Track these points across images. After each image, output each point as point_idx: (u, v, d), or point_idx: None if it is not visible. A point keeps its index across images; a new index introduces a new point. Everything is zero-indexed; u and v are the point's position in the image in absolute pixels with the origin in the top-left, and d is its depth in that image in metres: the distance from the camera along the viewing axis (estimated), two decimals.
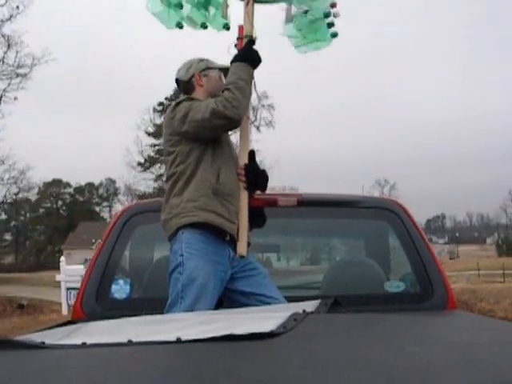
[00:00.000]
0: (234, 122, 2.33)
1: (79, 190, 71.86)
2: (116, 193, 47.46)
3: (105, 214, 72.11)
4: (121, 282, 2.62)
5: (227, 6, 2.63)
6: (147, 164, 41.65)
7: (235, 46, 2.51)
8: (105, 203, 73.07)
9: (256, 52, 2.44)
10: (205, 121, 2.27)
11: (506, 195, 77.61)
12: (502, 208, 79.89)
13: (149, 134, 41.25)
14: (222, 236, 2.28)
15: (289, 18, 2.62)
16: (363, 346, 1.00)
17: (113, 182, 46.17)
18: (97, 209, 74.00)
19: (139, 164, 41.09)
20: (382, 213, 2.82)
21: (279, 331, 1.04)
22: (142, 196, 40.93)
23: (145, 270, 2.88)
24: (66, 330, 1.46)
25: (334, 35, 2.64)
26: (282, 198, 2.75)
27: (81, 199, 72.26)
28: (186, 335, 1.05)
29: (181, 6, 2.59)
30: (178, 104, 2.39)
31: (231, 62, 2.43)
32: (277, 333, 1.03)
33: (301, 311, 1.30)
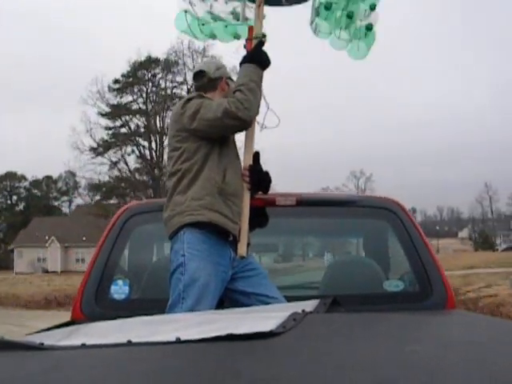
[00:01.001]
0: (246, 124, 2.33)
1: (36, 183, 67.40)
2: (76, 186, 43.77)
3: (65, 209, 67.86)
4: (120, 282, 2.62)
5: (245, 8, 2.62)
6: (100, 149, 36.61)
7: (244, 46, 2.51)
8: (64, 197, 68.62)
9: (265, 54, 2.44)
10: (216, 120, 2.26)
11: (482, 188, 77.29)
12: (477, 201, 79.09)
13: (103, 115, 36.60)
14: (224, 236, 2.28)
15: (312, 18, 2.61)
16: (363, 346, 1.00)
17: (73, 174, 41.80)
18: (55, 203, 69.61)
19: (92, 149, 36.10)
20: (381, 212, 2.82)
21: (279, 331, 1.04)
22: (98, 186, 37.05)
23: (144, 270, 2.87)
24: (65, 330, 1.46)
25: (369, 27, 2.58)
26: (280, 197, 2.75)
27: (38, 194, 67.62)
28: (185, 335, 1.05)
29: (215, 19, 2.66)
30: (188, 100, 2.38)
31: (241, 63, 2.42)
32: (276, 332, 1.03)
33: (300, 311, 1.30)
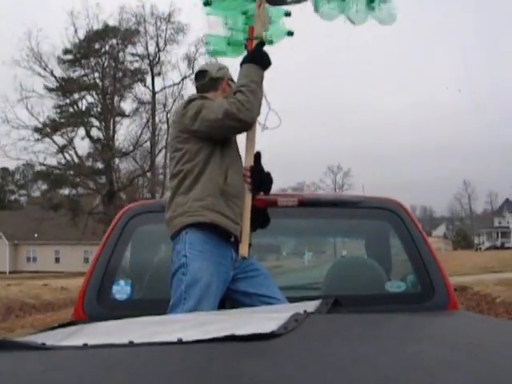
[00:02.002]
0: (247, 125, 2.33)
1: None
2: (35, 179, 38.14)
3: (23, 204, 59.37)
4: (122, 282, 2.62)
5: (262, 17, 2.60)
6: (46, 130, 31.33)
7: (245, 46, 2.51)
8: (22, 191, 61.92)
9: (266, 54, 2.43)
10: (217, 121, 2.26)
11: (461, 185, 76.50)
12: (456, 198, 78.26)
13: (50, 90, 31.97)
14: (226, 237, 2.28)
15: (317, 7, 2.60)
16: (364, 347, 1.00)
17: (31, 166, 36.51)
18: (12, 197, 64.15)
19: (37, 130, 30.72)
20: (383, 213, 2.82)
21: (280, 332, 1.04)
22: (45, 174, 33.08)
23: (146, 270, 2.88)
24: (67, 331, 1.46)
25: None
26: (282, 198, 2.75)
27: None
28: (187, 336, 1.05)
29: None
30: (190, 101, 2.38)
31: (241, 63, 2.42)
32: (278, 333, 1.03)
33: (302, 312, 1.30)
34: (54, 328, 2.00)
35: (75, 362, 0.95)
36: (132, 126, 34.30)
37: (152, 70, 34.46)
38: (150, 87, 34.62)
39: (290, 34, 2.73)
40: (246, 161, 2.45)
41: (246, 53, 2.54)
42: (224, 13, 2.68)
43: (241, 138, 2.52)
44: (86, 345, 1.07)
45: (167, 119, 32.98)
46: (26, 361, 0.97)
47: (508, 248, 56.91)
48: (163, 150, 34.03)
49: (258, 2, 2.53)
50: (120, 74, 33.68)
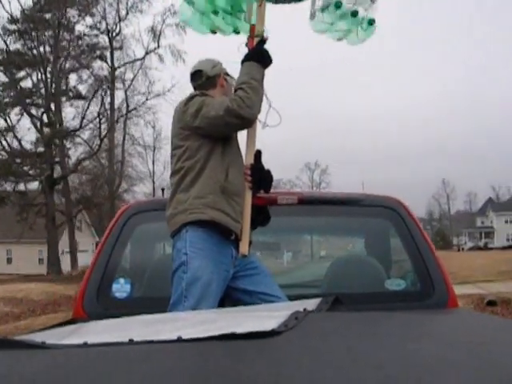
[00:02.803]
0: (248, 122, 2.33)
1: None
2: None
3: None
4: (121, 281, 2.62)
5: (252, 9, 2.61)
6: None
7: (246, 44, 2.50)
8: None
9: (267, 52, 2.43)
10: (218, 118, 2.26)
11: (440, 185, 75.65)
12: (434, 198, 77.46)
13: None
14: (226, 235, 2.28)
15: (312, 15, 2.60)
16: (364, 345, 1.00)
17: None
18: None
19: None
20: (383, 211, 2.82)
21: (280, 330, 1.04)
22: None
23: (145, 269, 2.88)
24: (67, 329, 1.46)
25: (371, 22, 2.57)
26: (282, 196, 2.74)
27: None
28: (187, 334, 1.04)
29: (216, 13, 2.63)
30: (191, 98, 2.38)
31: (242, 61, 2.42)
32: (278, 331, 1.03)
33: (302, 310, 1.30)
34: (54, 326, 2.00)
35: (75, 360, 0.95)
36: (89, 105, 30.40)
37: (111, 43, 30.82)
38: (109, 62, 31.04)
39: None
40: (247, 159, 2.44)
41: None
42: None
43: (241, 137, 2.52)
44: (86, 343, 1.07)
45: (126, 97, 30.93)
46: (27, 359, 0.97)
47: (491, 248, 55.79)
48: (121, 134, 31.77)
49: (259, 1, 2.52)
50: (75, 48, 29.50)
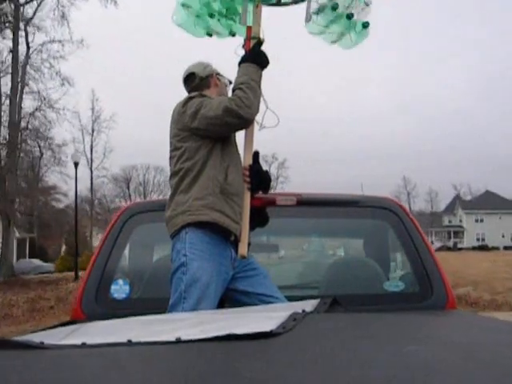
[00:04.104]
0: (247, 122, 2.33)
1: None
2: None
3: None
4: (120, 282, 2.62)
5: (246, 12, 2.61)
6: None
7: (243, 46, 2.51)
8: None
9: (264, 54, 2.44)
10: (217, 118, 2.27)
11: (400, 182, 72.85)
12: (395, 195, 76.10)
13: None
14: (226, 236, 2.28)
15: (308, 17, 2.60)
16: (362, 346, 1.00)
17: None
18: None
19: None
20: (382, 212, 2.82)
21: (279, 331, 1.04)
22: None
23: (144, 270, 2.88)
24: (66, 330, 1.46)
25: (366, 25, 2.56)
26: (280, 197, 2.75)
27: None
28: (185, 335, 1.05)
29: (211, 16, 2.63)
30: (189, 99, 2.38)
31: (239, 63, 2.43)
32: (276, 332, 1.03)
33: (300, 311, 1.30)
34: (52, 327, 2.00)
35: (74, 361, 0.95)
36: None
37: None
38: None
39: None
40: (245, 159, 2.45)
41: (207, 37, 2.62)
42: None
43: (239, 139, 2.52)
44: (84, 344, 1.07)
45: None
46: (25, 360, 0.97)
47: (460, 249, 53.80)
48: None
49: (256, 2, 2.53)
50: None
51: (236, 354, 0.95)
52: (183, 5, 2.64)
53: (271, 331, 1.03)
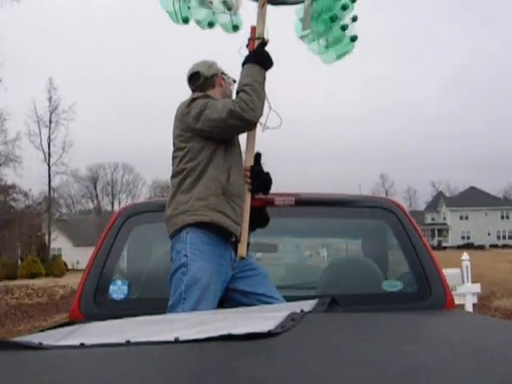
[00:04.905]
0: (250, 124, 2.33)
1: None
2: None
3: None
4: (119, 282, 2.62)
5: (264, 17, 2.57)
6: None
7: (247, 46, 2.50)
8: None
9: (268, 54, 2.43)
10: (221, 121, 2.26)
11: (378, 180, 71.68)
12: (374, 193, 75.92)
13: None
14: (226, 237, 2.28)
15: (306, 25, 2.59)
16: (361, 346, 1.00)
17: None
18: None
19: None
20: (380, 212, 2.82)
21: (277, 331, 1.04)
22: None
23: (143, 270, 2.88)
24: (64, 330, 1.46)
25: (354, 39, 2.60)
26: (279, 197, 2.75)
27: None
28: (184, 335, 1.05)
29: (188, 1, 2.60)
30: (193, 100, 2.37)
31: (243, 63, 2.42)
32: (275, 332, 1.03)
33: (299, 311, 1.30)
34: (51, 328, 2.00)
35: (72, 361, 0.95)
36: None
37: None
38: None
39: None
40: (247, 161, 2.45)
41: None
42: None
43: (241, 140, 2.52)
44: (83, 344, 1.07)
45: None
46: (24, 360, 0.97)
47: (445, 248, 51.42)
48: None
49: (260, 2, 2.52)
50: None
51: (234, 353, 0.95)
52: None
53: (270, 331, 1.03)
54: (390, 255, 3.06)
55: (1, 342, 1.12)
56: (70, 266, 41.16)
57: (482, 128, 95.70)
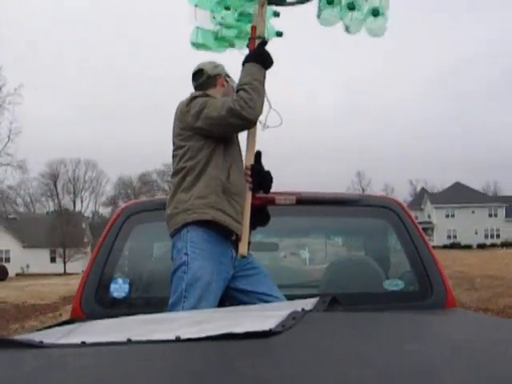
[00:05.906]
0: (250, 123, 2.33)
1: None
2: None
3: None
4: (120, 281, 2.62)
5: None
6: None
7: (247, 45, 2.51)
8: None
9: (268, 53, 2.43)
10: (221, 119, 2.26)
11: (354, 178, 70.97)
12: (348, 191, 75.28)
13: None
14: (227, 235, 2.28)
15: (319, 11, 2.59)
16: (362, 345, 1.00)
17: None
18: None
19: None
20: (382, 211, 2.82)
21: (278, 330, 1.04)
22: None
23: (144, 269, 2.88)
24: (65, 329, 1.46)
25: (375, 13, 2.54)
26: (280, 196, 2.75)
27: None
28: (185, 334, 1.04)
29: (227, 8, 2.65)
30: (193, 98, 2.38)
31: (243, 63, 2.42)
32: (276, 331, 1.03)
33: (300, 310, 1.30)
34: (52, 326, 2.00)
35: (73, 360, 0.95)
36: None
37: None
38: None
39: (279, 34, 2.73)
40: (247, 159, 2.45)
41: (229, 49, 2.62)
42: (209, 5, 2.67)
43: (241, 138, 2.52)
44: (84, 343, 1.07)
45: None
46: (24, 359, 0.97)
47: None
48: None
49: (260, 2, 2.52)
50: None
51: (235, 352, 0.94)
52: (196, 5, 2.65)
53: (270, 330, 1.03)
54: (391, 254, 3.06)
55: (1, 340, 1.12)
56: (18, 270, 38.28)
57: (458, 129, 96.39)
